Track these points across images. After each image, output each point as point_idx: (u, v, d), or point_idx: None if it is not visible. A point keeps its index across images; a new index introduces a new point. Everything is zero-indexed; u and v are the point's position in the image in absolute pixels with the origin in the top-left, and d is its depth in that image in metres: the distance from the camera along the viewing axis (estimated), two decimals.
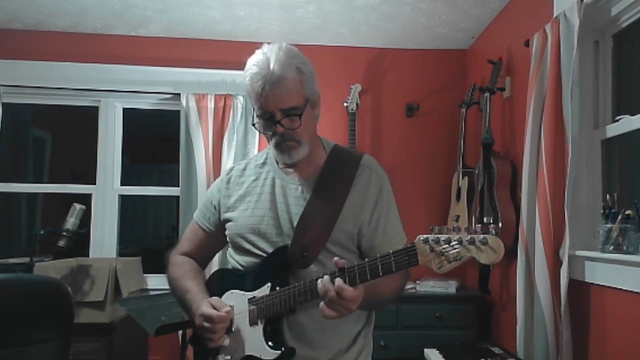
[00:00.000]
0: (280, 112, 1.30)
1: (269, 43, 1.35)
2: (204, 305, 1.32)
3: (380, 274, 1.15)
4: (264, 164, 1.49)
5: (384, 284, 1.28)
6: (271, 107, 1.30)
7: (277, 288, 1.30)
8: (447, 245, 1.06)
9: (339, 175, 1.39)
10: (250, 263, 1.40)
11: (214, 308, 1.31)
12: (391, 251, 1.14)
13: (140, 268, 3.31)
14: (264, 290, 1.33)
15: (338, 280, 1.17)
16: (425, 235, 1.09)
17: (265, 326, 1.32)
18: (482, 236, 1.03)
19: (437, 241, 1.07)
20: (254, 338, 1.33)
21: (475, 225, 1.06)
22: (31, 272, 2.72)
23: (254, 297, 1.34)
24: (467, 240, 1.04)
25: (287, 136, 1.33)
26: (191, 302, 1.38)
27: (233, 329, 1.35)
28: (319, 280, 1.20)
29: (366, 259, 1.18)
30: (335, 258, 1.22)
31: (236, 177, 1.50)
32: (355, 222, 1.36)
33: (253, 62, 1.32)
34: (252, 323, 1.33)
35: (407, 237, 1.42)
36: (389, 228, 1.40)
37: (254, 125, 1.38)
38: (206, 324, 1.30)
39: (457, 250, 1.05)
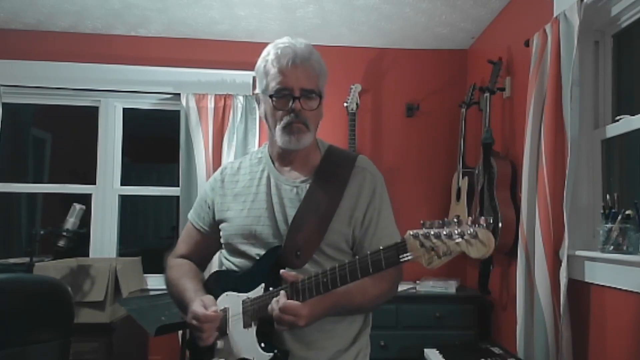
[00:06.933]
0: (299, 90, 1.31)
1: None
2: (196, 303, 1.31)
3: (371, 271, 1.12)
4: (259, 162, 1.47)
5: (360, 291, 1.24)
6: (293, 83, 1.30)
7: (271, 288, 1.28)
8: (436, 240, 1.01)
9: (334, 176, 1.38)
10: (245, 264, 1.39)
11: (205, 307, 1.30)
12: (381, 247, 1.11)
13: (140, 268, 3.30)
14: (258, 291, 1.31)
15: (281, 295, 1.20)
16: (415, 231, 1.05)
17: (259, 328, 1.29)
18: (471, 229, 0.97)
19: (427, 236, 1.02)
20: (247, 340, 1.30)
21: (468, 220, 1.01)
22: (31, 272, 2.71)
23: (248, 298, 1.32)
24: (456, 234, 0.99)
25: (301, 117, 1.32)
26: (188, 301, 1.37)
27: (228, 332, 1.34)
28: (274, 300, 1.22)
29: (357, 257, 1.15)
30: (282, 271, 1.24)
31: (230, 175, 1.48)
32: (349, 223, 1.35)
33: (280, 41, 1.34)
34: (246, 325, 1.31)
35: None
36: (380, 228, 1.38)
37: (256, 95, 1.39)
38: (194, 322, 1.29)
39: (446, 245, 1.00)
